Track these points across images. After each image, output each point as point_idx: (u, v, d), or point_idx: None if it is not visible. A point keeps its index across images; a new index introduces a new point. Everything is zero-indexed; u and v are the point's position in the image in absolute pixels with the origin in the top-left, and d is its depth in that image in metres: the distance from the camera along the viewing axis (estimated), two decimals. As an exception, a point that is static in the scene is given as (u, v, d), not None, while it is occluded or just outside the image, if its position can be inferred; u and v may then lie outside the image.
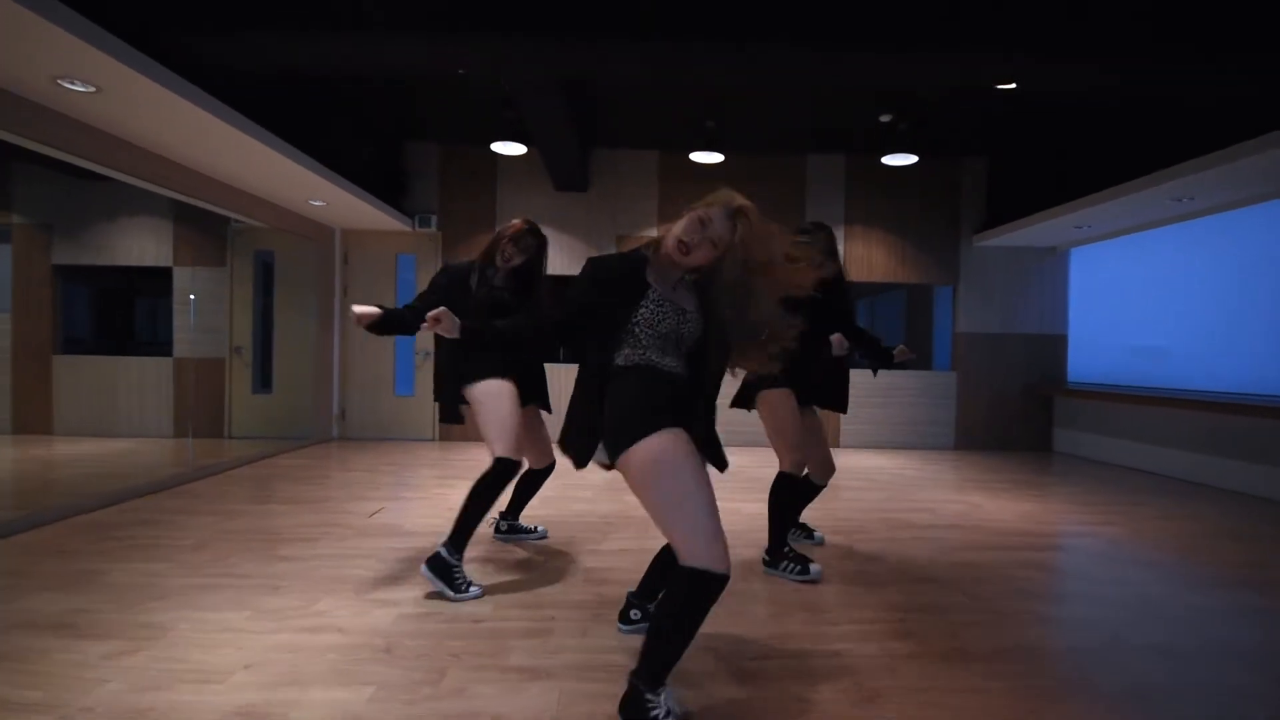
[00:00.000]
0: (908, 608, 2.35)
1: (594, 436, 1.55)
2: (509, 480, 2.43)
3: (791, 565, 2.61)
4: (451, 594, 2.31)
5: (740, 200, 1.53)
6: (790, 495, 2.70)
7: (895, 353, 2.72)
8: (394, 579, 2.53)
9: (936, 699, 1.73)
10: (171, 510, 3.57)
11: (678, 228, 1.53)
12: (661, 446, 1.42)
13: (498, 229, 2.63)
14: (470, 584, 2.36)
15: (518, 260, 2.60)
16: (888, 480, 4.82)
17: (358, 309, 1.99)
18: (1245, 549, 3.22)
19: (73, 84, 2.98)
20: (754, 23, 3.26)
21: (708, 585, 1.38)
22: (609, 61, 3.41)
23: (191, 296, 6.16)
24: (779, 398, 2.62)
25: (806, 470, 2.76)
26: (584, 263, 1.57)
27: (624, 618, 2.10)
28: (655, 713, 1.42)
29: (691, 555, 1.38)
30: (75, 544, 2.93)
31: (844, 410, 2.87)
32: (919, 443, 6.48)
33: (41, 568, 2.62)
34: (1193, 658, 2.02)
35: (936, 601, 2.43)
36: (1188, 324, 5.36)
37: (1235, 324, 4.93)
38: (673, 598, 1.44)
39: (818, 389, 2.78)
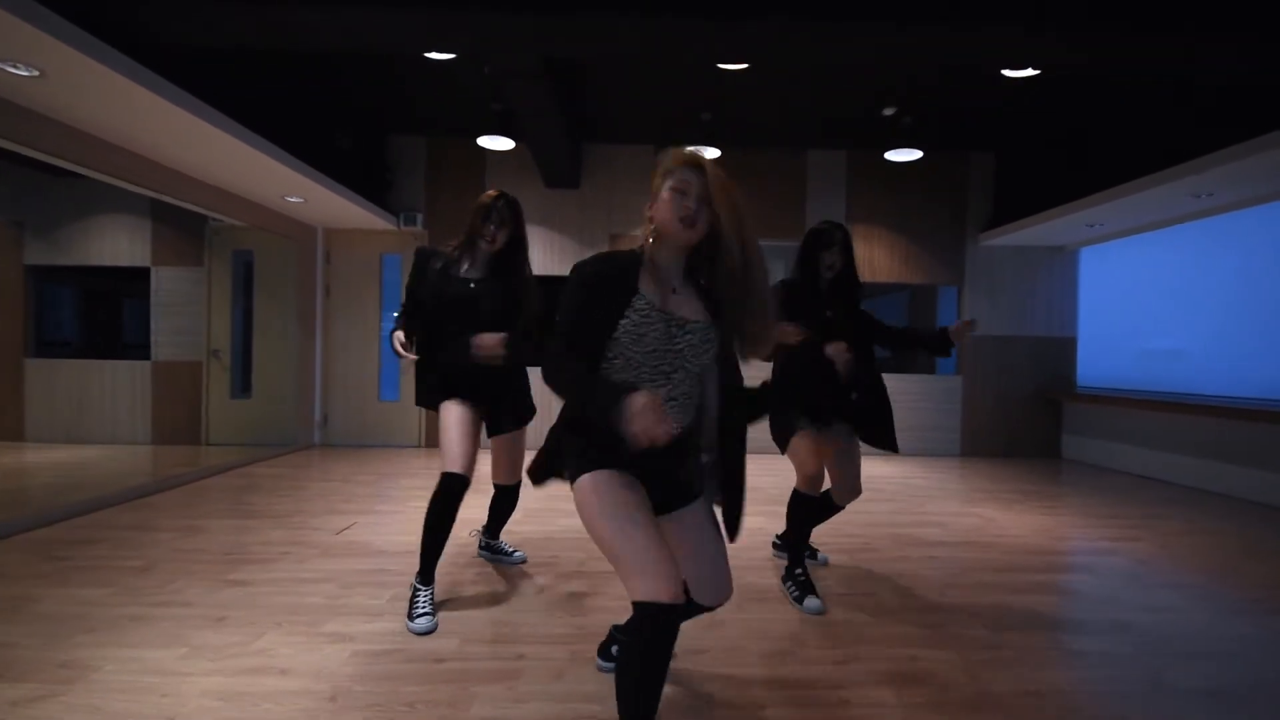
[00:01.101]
0: (921, 642, 2.11)
1: (554, 459, 1.35)
2: (455, 494, 2.21)
3: (794, 587, 2.39)
4: (417, 626, 2.09)
5: (692, 152, 1.39)
6: (805, 512, 2.49)
7: (952, 332, 2.37)
8: (352, 609, 2.29)
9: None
10: (126, 526, 3.32)
11: (665, 211, 1.35)
12: (584, 490, 1.32)
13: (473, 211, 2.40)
14: (424, 614, 2.12)
15: (502, 240, 2.35)
16: (895, 490, 4.58)
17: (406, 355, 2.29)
18: (1274, 569, 2.98)
19: (15, 67, 2.75)
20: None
21: (654, 618, 1.20)
22: (598, 39, 3.17)
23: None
24: (797, 443, 2.41)
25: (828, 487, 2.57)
26: (571, 269, 1.38)
27: (603, 652, 1.87)
28: None
29: (633, 591, 1.23)
30: (10, 565, 2.68)
31: (893, 449, 2.49)
32: (925, 449, 6.24)
33: (-31, 594, 2.38)
34: (1247, 700, 1.78)
35: (953, 634, 2.19)
36: (1204, 326, 5.13)
37: (1254, 325, 4.70)
38: (629, 635, 1.27)
39: (851, 409, 2.48)
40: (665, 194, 1.35)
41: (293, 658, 1.92)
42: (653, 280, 1.38)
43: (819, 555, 2.90)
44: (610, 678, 1.79)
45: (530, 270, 2.45)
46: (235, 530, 3.25)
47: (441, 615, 2.23)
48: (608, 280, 1.35)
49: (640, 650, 1.22)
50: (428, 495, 2.25)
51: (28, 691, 1.71)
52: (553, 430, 1.45)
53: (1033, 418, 6.35)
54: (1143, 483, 5.12)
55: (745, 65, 4.20)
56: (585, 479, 1.33)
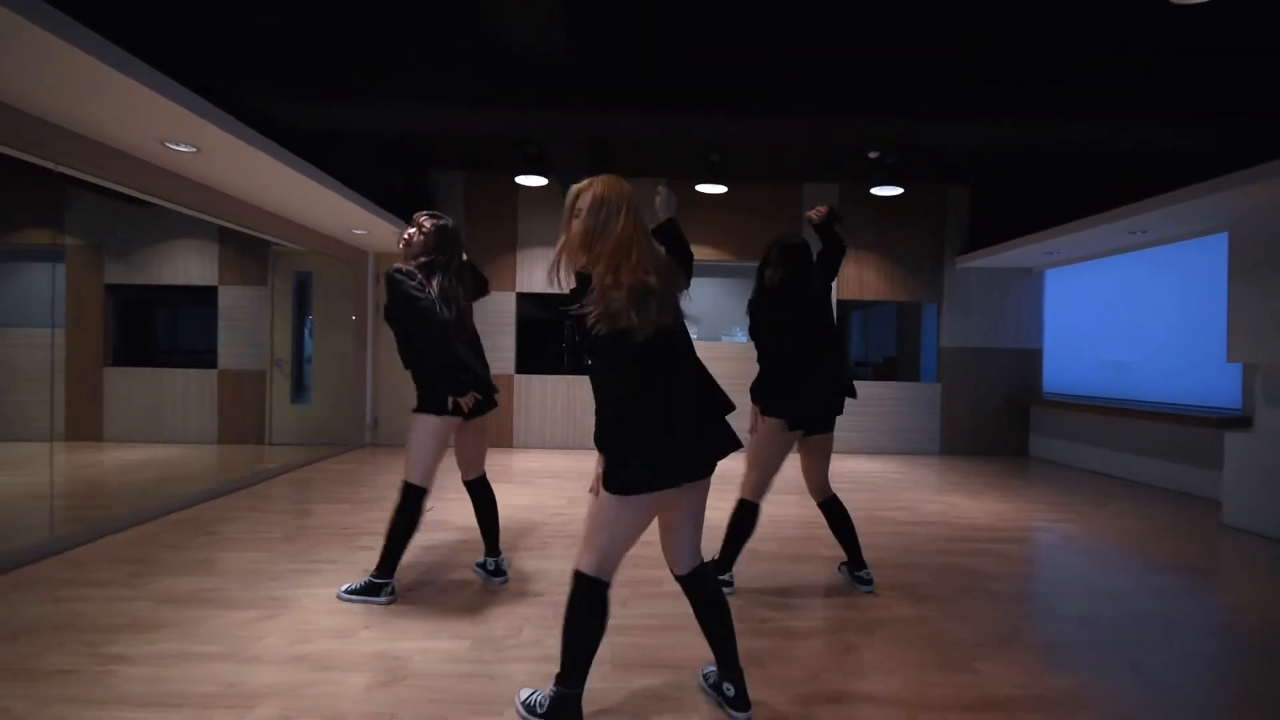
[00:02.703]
0: (882, 587, 2.88)
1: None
2: (418, 504, 2.56)
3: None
4: (381, 601, 2.55)
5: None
6: (743, 522, 2.69)
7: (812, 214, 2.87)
8: (448, 563, 3.06)
9: (901, 650, 2.26)
10: (247, 509, 4.09)
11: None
12: (613, 505, 1.64)
13: (435, 227, 2.58)
14: (392, 591, 2.59)
15: (457, 261, 2.60)
16: (876, 483, 5.35)
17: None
18: (1179, 543, 3.76)
19: (177, 146, 3.52)
20: (751, 95, 3.82)
21: (599, 588, 1.65)
22: (628, 128, 3.97)
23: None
24: (769, 427, 2.62)
25: (807, 487, 2.85)
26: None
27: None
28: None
29: (581, 562, 1.66)
30: (175, 539, 3.44)
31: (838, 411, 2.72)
32: (906, 449, 7.03)
33: (159, 556, 3.13)
34: (1107, 623, 2.55)
35: (905, 581, 2.96)
36: (1148, 341, 5.92)
37: (1190, 341, 5.48)
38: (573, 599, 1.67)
39: (814, 414, 2.69)
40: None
41: (434, 595, 2.69)
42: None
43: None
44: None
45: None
46: (340, 513, 4.02)
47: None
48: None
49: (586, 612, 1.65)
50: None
51: (256, 614, 2.47)
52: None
53: (1004, 420, 7.13)
54: (1095, 477, 5.90)
55: (725, 189, 4.99)
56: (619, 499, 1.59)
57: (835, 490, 2.85)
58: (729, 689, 1.79)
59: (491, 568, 2.88)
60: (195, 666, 2.03)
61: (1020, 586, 3.00)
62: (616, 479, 1.59)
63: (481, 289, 2.93)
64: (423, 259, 2.55)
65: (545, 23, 3.09)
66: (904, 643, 2.31)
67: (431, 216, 2.62)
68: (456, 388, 2.54)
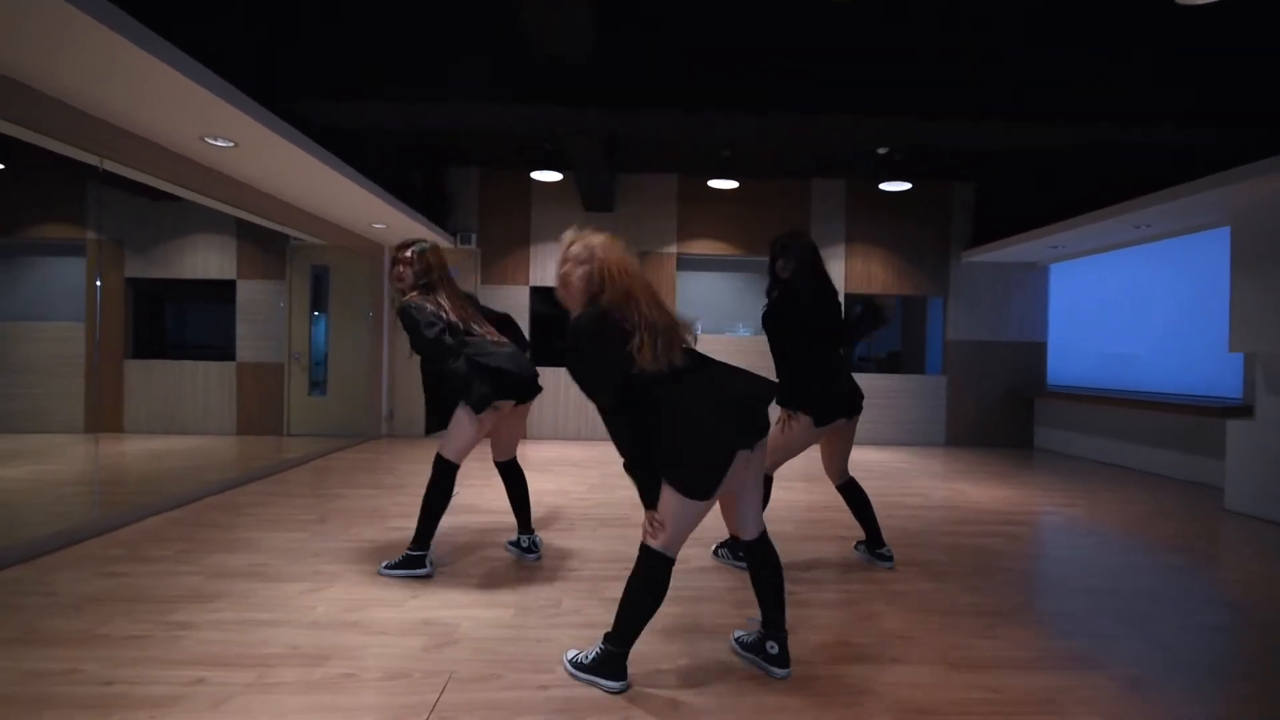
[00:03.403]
0: (901, 563, 3.01)
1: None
2: (450, 477, 2.71)
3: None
4: (421, 573, 2.68)
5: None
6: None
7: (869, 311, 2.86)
8: (482, 542, 3.19)
9: (921, 618, 2.38)
10: (278, 494, 4.21)
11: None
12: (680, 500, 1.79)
13: (416, 254, 2.72)
14: (430, 563, 2.72)
15: (444, 274, 2.77)
16: (885, 472, 5.48)
17: None
18: (1183, 526, 3.89)
19: (216, 140, 3.63)
20: (768, 95, 3.94)
21: (667, 565, 1.80)
22: (647, 126, 4.10)
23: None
24: (801, 425, 2.70)
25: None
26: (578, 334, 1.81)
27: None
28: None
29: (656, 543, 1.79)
30: (216, 519, 3.57)
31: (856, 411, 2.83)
32: (913, 440, 7.16)
33: (202, 536, 3.26)
34: (1116, 596, 2.68)
35: (922, 559, 3.09)
36: (1150, 333, 6.04)
37: (1193, 333, 5.60)
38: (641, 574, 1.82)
39: (843, 409, 2.76)
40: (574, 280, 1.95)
41: (472, 565, 2.81)
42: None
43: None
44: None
45: None
46: (366, 497, 4.14)
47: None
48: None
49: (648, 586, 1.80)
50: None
51: (307, 586, 2.59)
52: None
53: (1009, 412, 7.26)
54: (1099, 466, 6.03)
55: (736, 185, 5.12)
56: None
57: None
58: (772, 646, 1.92)
59: (525, 545, 3.00)
60: (259, 631, 2.16)
61: (1031, 564, 3.13)
62: (685, 487, 1.71)
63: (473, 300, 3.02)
64: (422, 282, 2.73)
65: (578, 30, 3.20)
66: (923, 612, 2.44)
67: (408, 245, 2.76)
68: (480, 400, 2.62)
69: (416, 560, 2.70)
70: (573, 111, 3.96)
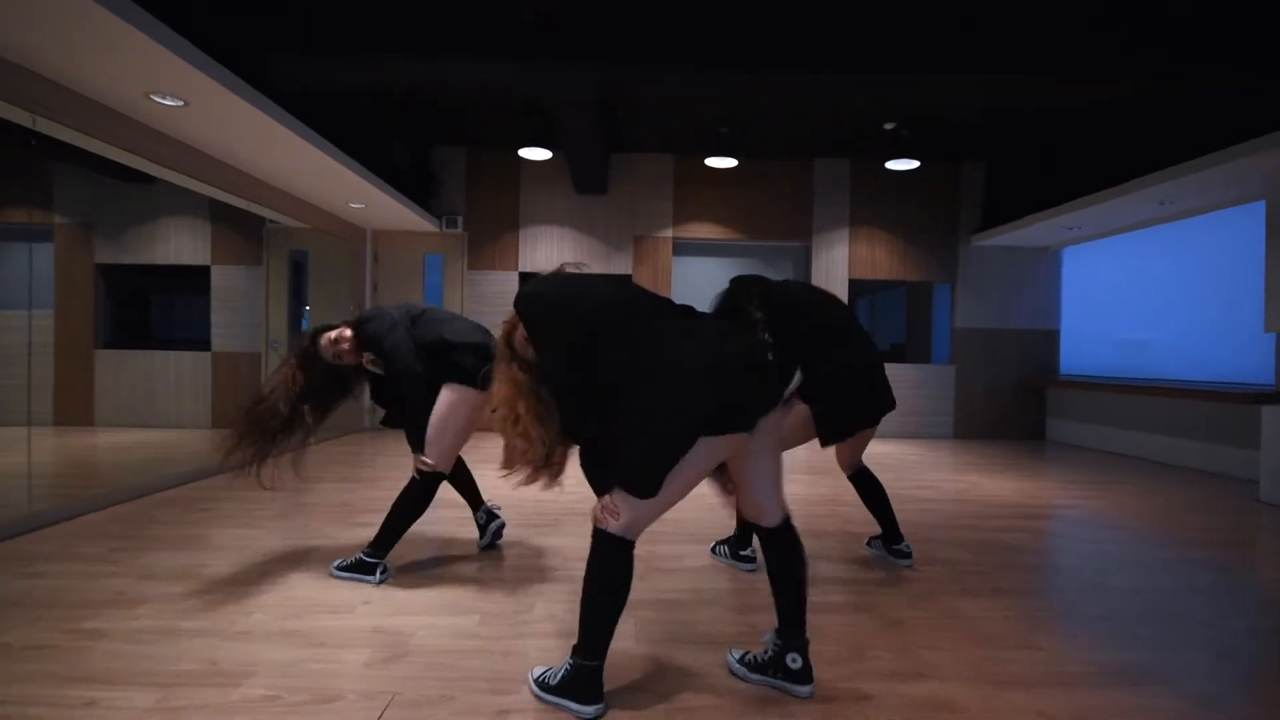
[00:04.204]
0: (920, 560, 2.70)
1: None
2: (434, 488, 2.43)
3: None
4: (373, 580, 2.35)
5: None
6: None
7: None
8: (452, 540, 2.88)
9: (951, 624, 2.07)
10: (240, 489, 3.86)
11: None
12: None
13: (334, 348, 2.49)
14: (385, 570, 2.41)
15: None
16: (894, 465, 5.17)
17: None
18: (1217, 518, 3.58)
19: (164, 99, 3.30)
20: (772, 49, 3.61)
21: (628, 549, 1.52)
22: (645, 83, 3.76)
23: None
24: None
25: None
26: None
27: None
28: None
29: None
30: (165, 515, 3.25)
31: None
32: (921, 432, 6.85)
33: (145, 533, 2.94)
34: (1161, 596, 2.37)
35: (942, 556, 2.78)
36: (1169, 319, 5.73)
37: (1213, 318, 5.30)
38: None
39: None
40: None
41: (440, 568, 2.50)
42: None
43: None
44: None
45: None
46: (339, 491, 3.83)
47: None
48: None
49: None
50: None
51: (247, 590, 2.28)
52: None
53: (1020, 402, 6.95)
54: (1115, 457, 5.73)
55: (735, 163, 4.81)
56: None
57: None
58: (794, 660, 1.61)
59: (483, 519, 2.79)
60: (177, 643, 1.84)
61: (1060, 560, 2.82)
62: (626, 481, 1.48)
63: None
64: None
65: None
66: (952, 618, 2.13)
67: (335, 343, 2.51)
68: (486, 375, 2.30)
69: (368, 567, 2.38)
70: (561, 66, 3.63)
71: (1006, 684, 1.69)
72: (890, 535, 2.66)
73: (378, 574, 2.37)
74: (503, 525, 2.84)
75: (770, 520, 1.65)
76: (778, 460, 1.67)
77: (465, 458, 2.75)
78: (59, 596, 2.17)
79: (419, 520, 2.46)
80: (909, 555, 2.63)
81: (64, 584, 2.29)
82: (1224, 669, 1.83)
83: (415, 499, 2.42)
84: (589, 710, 1.47)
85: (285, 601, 2.17)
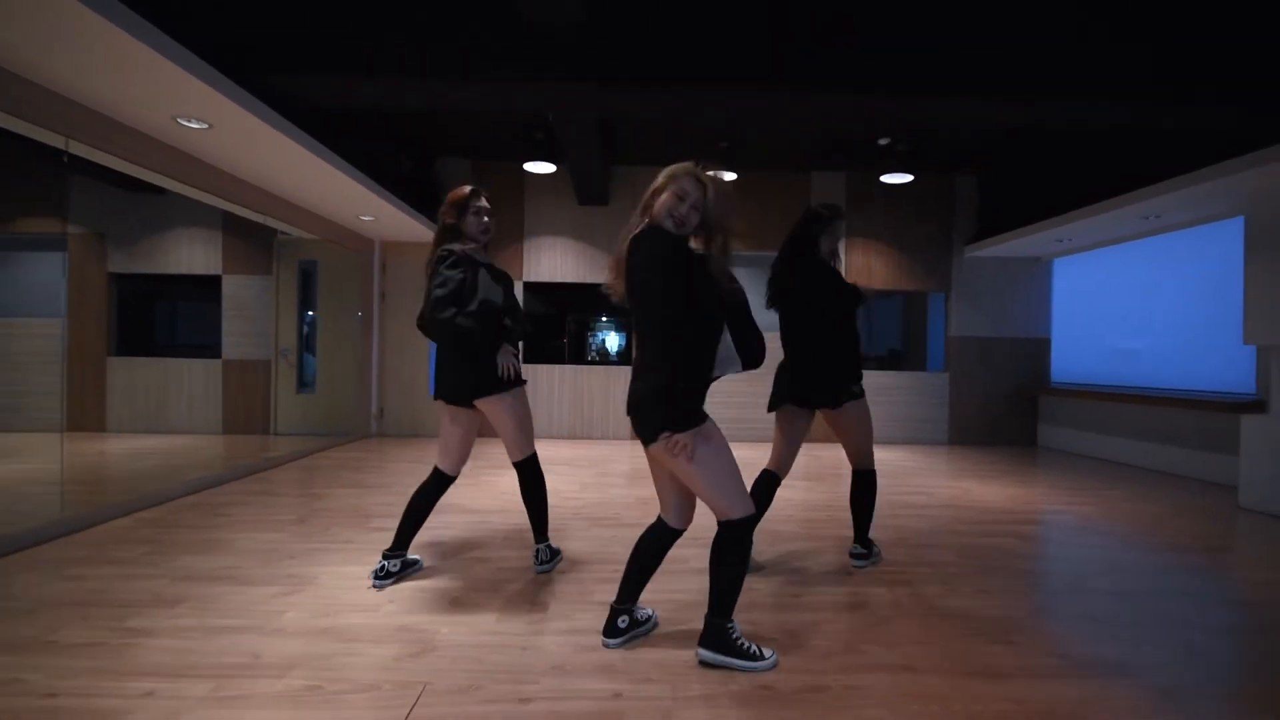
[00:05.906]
0: (909, 563, 2.85)
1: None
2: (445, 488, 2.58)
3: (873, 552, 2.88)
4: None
5: (694, 169, 1.80)
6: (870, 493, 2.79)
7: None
8: (471, 542, 3.02)
9: (936, 622, 2.23)
10: (259, 494, 4.04)
11: (663, 207, 1.78)
12: (703, 433, 1.81)
13: (462, 201, 2.48)
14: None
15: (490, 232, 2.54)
16: (889, 471, 5.32)
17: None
18: (1199, 524, 3.74)
19: (189, 121, 3.46)
20: (770, 69, 3.78)
21: (750, 525, 1.83)
22: (647, 104, 3.93)
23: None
24: (865, 408, 2.69)
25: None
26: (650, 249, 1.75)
27: (611, 630, 2.00)
28: (734, 635, 1.86)
29: (734, 510, 1.79)
30: (190, 520, 3.40)
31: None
32: (915, 438, 7.01)
33: (172, 537, 3.09)
34: (1139, 598, 2.52)
35: (931, 560, 2.93)
36: (1157, 328, 5.90)
37: (1201, 327, 5.46)
38: (732, 545, 1.82)
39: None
40: (666, 195, 1.79)
41: (454, 566, 2.65)
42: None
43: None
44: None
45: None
46: (353, 496, 3.98)
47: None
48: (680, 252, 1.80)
49: (744, 553, 1.82)
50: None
51: (277, 590, 2.42)
52: (643, 397, 1.77)
53: (1012, 410, 7.11)
54: (1105, 464, 5.89)
55: (734, 176, 5.01)
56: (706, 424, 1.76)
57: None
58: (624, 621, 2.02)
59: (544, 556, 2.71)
60: (220, 639, 1.99)
61: (1045, 564, 2.97)
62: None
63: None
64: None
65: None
66: (936, 616, 2.28)
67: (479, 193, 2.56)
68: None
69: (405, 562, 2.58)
70: (564, 84, 3.79)
71: (983, 676, 1.85)
72: (858, 537, 2.82)
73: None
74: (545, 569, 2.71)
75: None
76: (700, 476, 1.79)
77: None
78: (100, 597, 2.32)
79: (440, 525, 2.61)
80: (862, 559, 2.79)
81: (103, 585, 2.43)
82: (1191, 665, 1.97)
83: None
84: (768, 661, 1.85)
85: (315, 600, 2.32)
